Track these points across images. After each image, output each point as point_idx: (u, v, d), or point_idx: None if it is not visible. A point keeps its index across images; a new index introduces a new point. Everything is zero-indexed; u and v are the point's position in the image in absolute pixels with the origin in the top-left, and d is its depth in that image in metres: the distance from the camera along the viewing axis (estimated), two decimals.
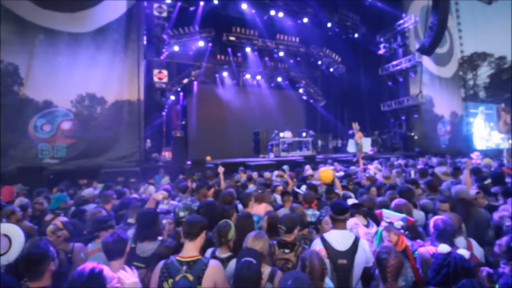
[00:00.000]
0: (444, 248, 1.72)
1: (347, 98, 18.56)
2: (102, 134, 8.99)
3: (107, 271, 1.46)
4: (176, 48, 13.09)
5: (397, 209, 2.47)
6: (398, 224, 2.07)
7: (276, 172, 6.73)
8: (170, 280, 1.71)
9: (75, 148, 8.59)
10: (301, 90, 19.21)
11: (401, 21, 15.13)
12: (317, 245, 2.16)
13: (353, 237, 2.17)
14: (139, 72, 9.82)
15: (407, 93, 15.15)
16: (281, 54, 16.90)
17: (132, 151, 9.38)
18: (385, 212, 2.21)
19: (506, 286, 1.41)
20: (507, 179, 4.37)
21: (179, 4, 12.67)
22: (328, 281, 1.75)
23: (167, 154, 12.56)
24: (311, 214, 3.25)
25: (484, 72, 40.51)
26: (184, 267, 1.74)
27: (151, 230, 2.29)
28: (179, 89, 14.88)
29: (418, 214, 3.03)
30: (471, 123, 19.16)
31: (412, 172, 5.97)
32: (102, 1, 9.27)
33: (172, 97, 14.35)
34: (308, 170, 7.14)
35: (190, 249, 1.83)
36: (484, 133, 21.37)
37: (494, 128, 23.61)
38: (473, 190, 3.23)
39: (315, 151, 13.88)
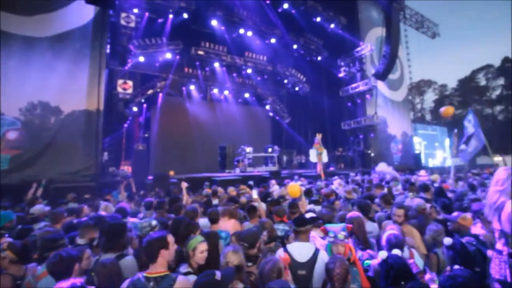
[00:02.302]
0: (382, 254, 1.91)
1: (311, 116, 19.48)
2: (54, 145, 8.26)
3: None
4: (141, 58, 12.74)
5: (349, 221, 2.68)
6: (341, 235, 2.24)
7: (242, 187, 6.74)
8: None
9: (20, 160, 7.74)
10: (267, 107, 19.74)
11: (359, 48, 16.59)
12: (280, 254, 2.25)
13: (313, 249, 2.28)
14: (99, 81, 9.31)
15: (364, 114, 16.39)
16: (249, 71, 17.34)
17: (87, 165, 8.68)
18: (328, 226, 2.38)
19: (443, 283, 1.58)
20: (449, 194, 4.93)
21: (147, 15, 12.52)
22: None
23: (126, 168, 11.87)
24: (281, 228, 3.25)
25: (430, 97, 45.64)
26: (151, 283, 1.69)
27: (116, 242, 2.28)
28: (142, 100, 14.35)
29: (372, 226, 3.26)
30: (418, 143, 21.25)
31: (386, 189, 6.31)
32: (64, 6, 8.79)
33: (135, 109, 13.79)
34: (273, 185, 7.28)
35: (158, 265, 1.78)
36: (429, 152, 23.81)
37: (439, 148, 26.36)
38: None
39: (280, 167, 14.18)
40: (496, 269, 2.05)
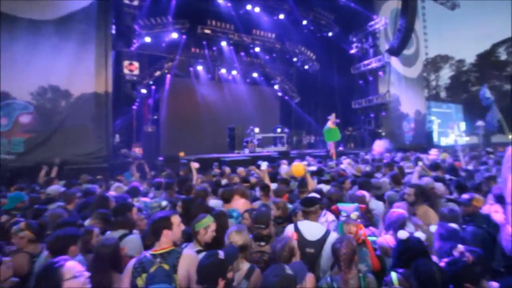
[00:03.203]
0: (403, 234, 1.86)
1: (320, 95, 19.04)
2: (65, 129, 8.42)
3: (72, 266, 1.41)
4: (147, 39, 12.56)
5: (353, 199, 2.66)
6: (354, 215, 2.22)
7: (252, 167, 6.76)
8: (144, 275, 1.69)
9: (34, 143, 7.95)
10: (276, 87, 19.38)
11: (372, 23, 15.76)
12: (289, 229, 2.27)
13: (325, 230, 2.28)
14: (107, 63, 9.28)
15: (376, 92, 15.87)
16: (257, 49, 16.89)
17: (99, 147, 8.86)
18: (340, 205, 2.36)
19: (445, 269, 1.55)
20: (462, 173, 4.80)
21: None
22: None
23: (137, 150, 12.07)
24: None
25: (446, 73, 43.59)
26: (158, 259, 1.73)
27: (118, 220, 2.47)
28: (151, 82, 14.33)
29: (376, 204, 3.26)
30: (432, 121, 20.58)
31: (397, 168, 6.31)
32: None
33: (143, 91, 13.79)
34: (283, 164, 7.29)
35: (162, 243, 1.81)
36: (443, 131, 23.19)
37: (452, 126, 25.57)
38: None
39: (289, 147, 14.12)
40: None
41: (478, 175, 4.44)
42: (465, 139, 23.52)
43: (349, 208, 2.28)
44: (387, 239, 2.23)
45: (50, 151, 7.96)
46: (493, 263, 2.03)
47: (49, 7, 8.38)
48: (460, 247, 1.65)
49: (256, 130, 13.37)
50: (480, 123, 14.22)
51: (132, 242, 2.26)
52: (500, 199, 2.66)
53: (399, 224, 2.25)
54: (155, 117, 15.34)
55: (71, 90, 8.63)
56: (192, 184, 4.29)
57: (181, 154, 11.07)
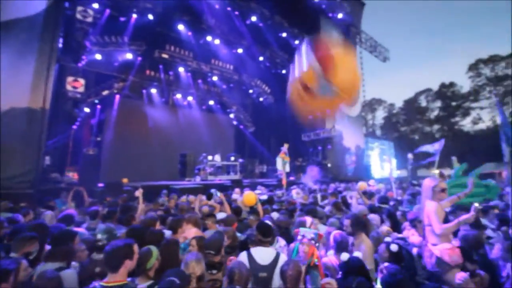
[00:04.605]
0: (344, 256, 2.05)
1: (274, 126, 19.93)
2: None
3: None
4: (98, 56, 11.94)
5: (296, 225, 2.97)
6: (310, 235, 2.36)
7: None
8: None
9: None
10: (232, 115, 19.76)
11: None
12: (242, 257, 2.30)
13: (275, 253, 2.35)
14: (47, 77, 8.46)
15: (323, 127, 17.31)
16: (215, 78, 17.29)
17: (25, 169, 7.68)
18: (301, 229, 2.49)
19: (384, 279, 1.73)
20: (391, 202, 5.42)
21: (108, 11, 11.83)
22: None
23: (71, 175, 10.72)
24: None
25: (380, 114, 50.07)
26: None
27: (58, 250, 2.19)
28: (96, 101, 13.35)
29: (323, 228, 3.47)
30: (369, 156, 22.94)
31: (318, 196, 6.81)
32: None
33: (87, 109, 12.72)
34: (236, 193, 7.27)
35: (117, 276, 1.66)
36: (378, 165, 25.87)
37: (387, 161, 28.74)
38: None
39: (241, 175, 14.18)
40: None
41: (403, 203, 5.11)
42: (396, 173, 26.49)
43: (308, 232, 2.42)
44: (330, 259, 2.40)
45: None
46: (417, 277, 2.32)
47: None
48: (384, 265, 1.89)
49: (210, 157, 13.23)
50: (410, 155, 16.13)
51: (69, 278, 1.99)
52: (413, 223, 3.13)
53: (344, 244, 2.46)
54: (98, 138, 14.07)
55: None
56: (133, 214, 4.01)
57: (125, 180, 10.23)
